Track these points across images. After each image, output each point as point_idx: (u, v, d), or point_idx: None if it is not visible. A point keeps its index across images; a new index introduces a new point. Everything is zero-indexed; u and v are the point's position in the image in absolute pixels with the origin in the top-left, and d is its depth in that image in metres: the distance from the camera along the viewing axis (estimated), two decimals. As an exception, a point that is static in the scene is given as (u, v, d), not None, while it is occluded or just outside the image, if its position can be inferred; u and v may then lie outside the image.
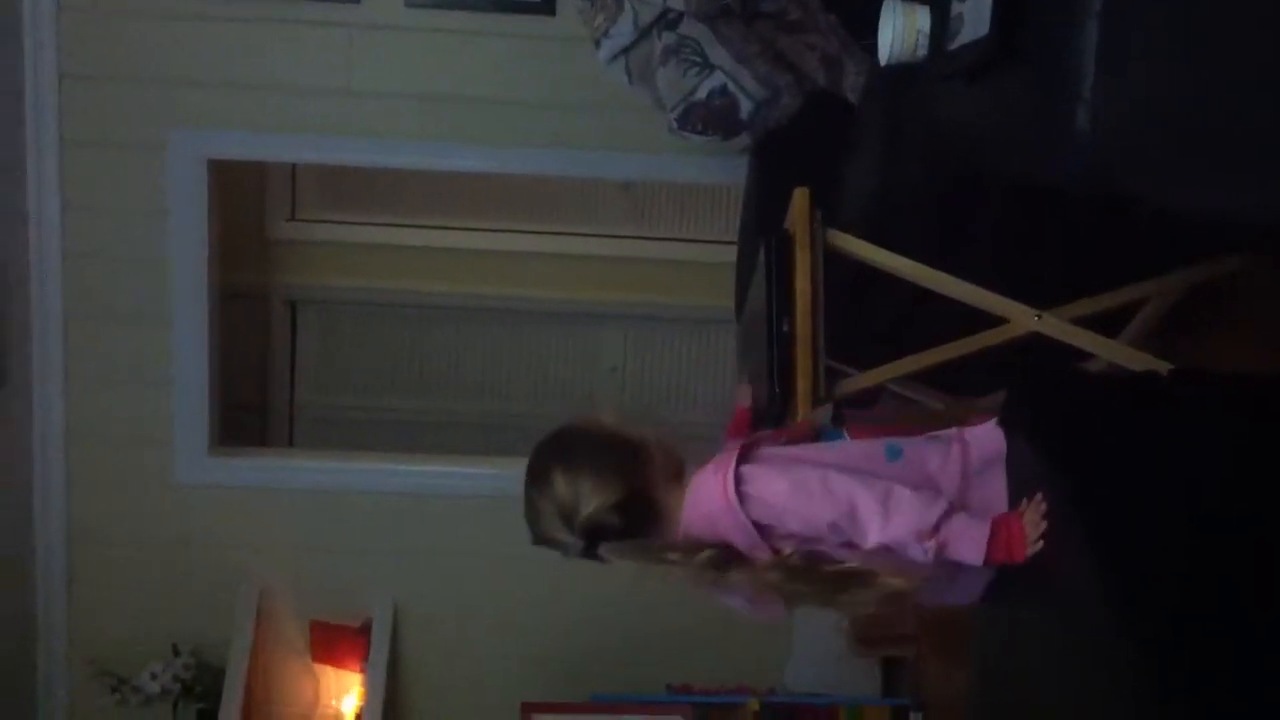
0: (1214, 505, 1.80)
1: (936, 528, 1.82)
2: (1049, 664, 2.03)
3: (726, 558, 1.93)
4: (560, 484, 1.97)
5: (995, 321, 2.53)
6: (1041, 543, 1.79)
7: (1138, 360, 2.38)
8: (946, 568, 1.87)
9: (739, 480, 1.90)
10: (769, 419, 2.46)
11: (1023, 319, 2.48)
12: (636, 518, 1.96)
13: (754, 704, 4.08)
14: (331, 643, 4.32)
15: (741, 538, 1.92)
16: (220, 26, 3.86)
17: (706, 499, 1.93)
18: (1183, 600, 1.65)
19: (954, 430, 1.97)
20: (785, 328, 2.49)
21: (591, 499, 1.95)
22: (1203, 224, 2.16)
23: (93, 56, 3.88)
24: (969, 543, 1.82)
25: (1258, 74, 1.35)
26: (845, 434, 2.06)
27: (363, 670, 4.24)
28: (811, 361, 2.48)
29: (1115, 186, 1.57)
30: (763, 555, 1.92)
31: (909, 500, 1.84)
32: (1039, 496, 1.81)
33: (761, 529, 1.91)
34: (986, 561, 1.82)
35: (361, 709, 4.18)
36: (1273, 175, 1.42)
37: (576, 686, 4.18)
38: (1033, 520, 1.81)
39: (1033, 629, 2.09)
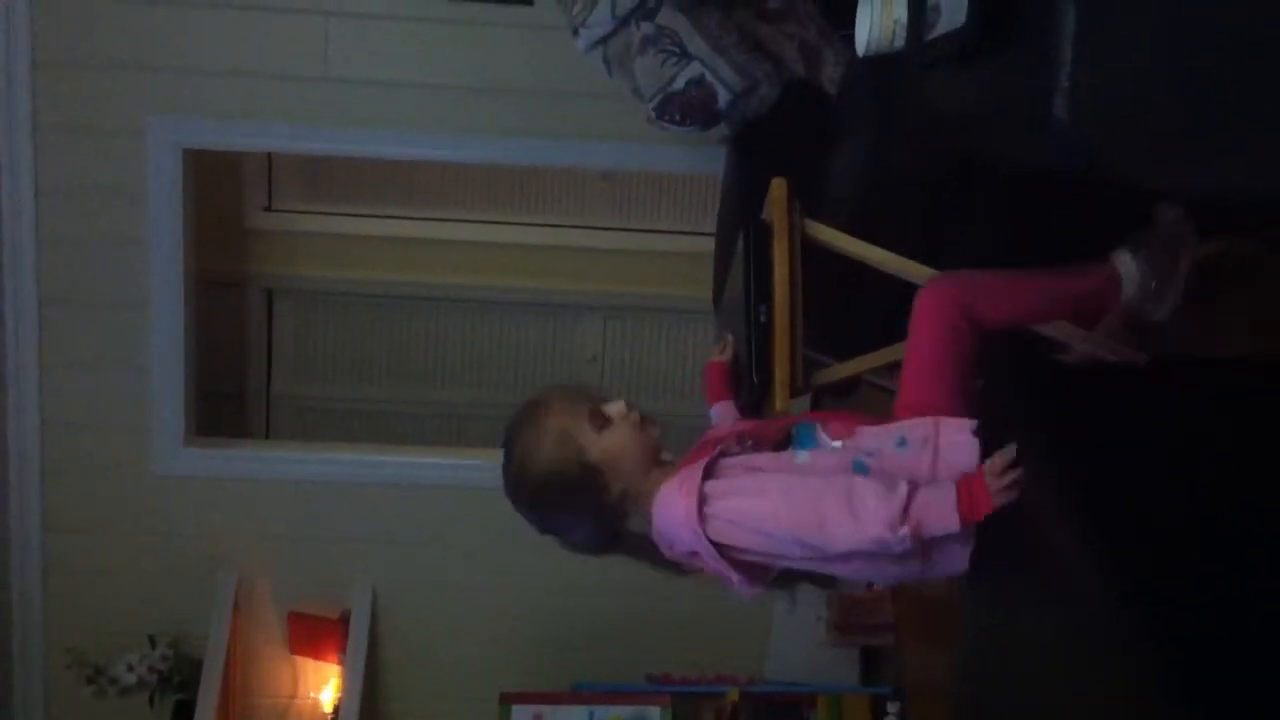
0: (1193, 488, 1.81)
1: (906, 511, 1.79)
2: (1036, 648, 2.04)
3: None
4: (532, 521, 2.04)
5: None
6: (1013, 490, 1.77)
7: (1116, 350, 2.39)
8: (924, 549, 1.86)
9: (703, 499, 1.89)
10: (747, 408, 2.46)
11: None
12: (611, 531, 2.04)
13: (734, 693, 4.09)
14: (310, 633, 4.31)
15: (706, 558, 1.93)
16: (196, 13, 3.84)
17: (671, 515, 1.93)
18: (1170, 583, 1.67)
19: (928, 430, 1.92)
20: (763, 317, 2.49)
21: (565, 538, 2.06)
22: (1187, 207, 2.18)
23: (67, 42, 3.85)
24: (939, 512, 1.79)
25: (1238, 54, 1.35)
26: (820, 432, 2.02)
27: (341, 661, 4.23)
28: (789, 351, 2.48)
29: (1096, 174, 1.58)
30: (726, 573, 1.93)
31: (873, 493, 1.81)
32: (1009, 446, 1.80)
33: (721, 548, 1.91)
34: (963, 524, 1.79)
35: (339, 700, 4.18)
36: (1253, 158, 1.43)
37: (556, 676, 4.18)
38: (994, 469, 1.79)
39: (1020, 613, 2.11)
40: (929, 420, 1.93)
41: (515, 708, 3.98)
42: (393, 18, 3.87)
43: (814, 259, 2.55)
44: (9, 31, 3.80)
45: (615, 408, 2.00)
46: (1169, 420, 1.88)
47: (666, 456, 2.02)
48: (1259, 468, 1.80)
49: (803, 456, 1.96)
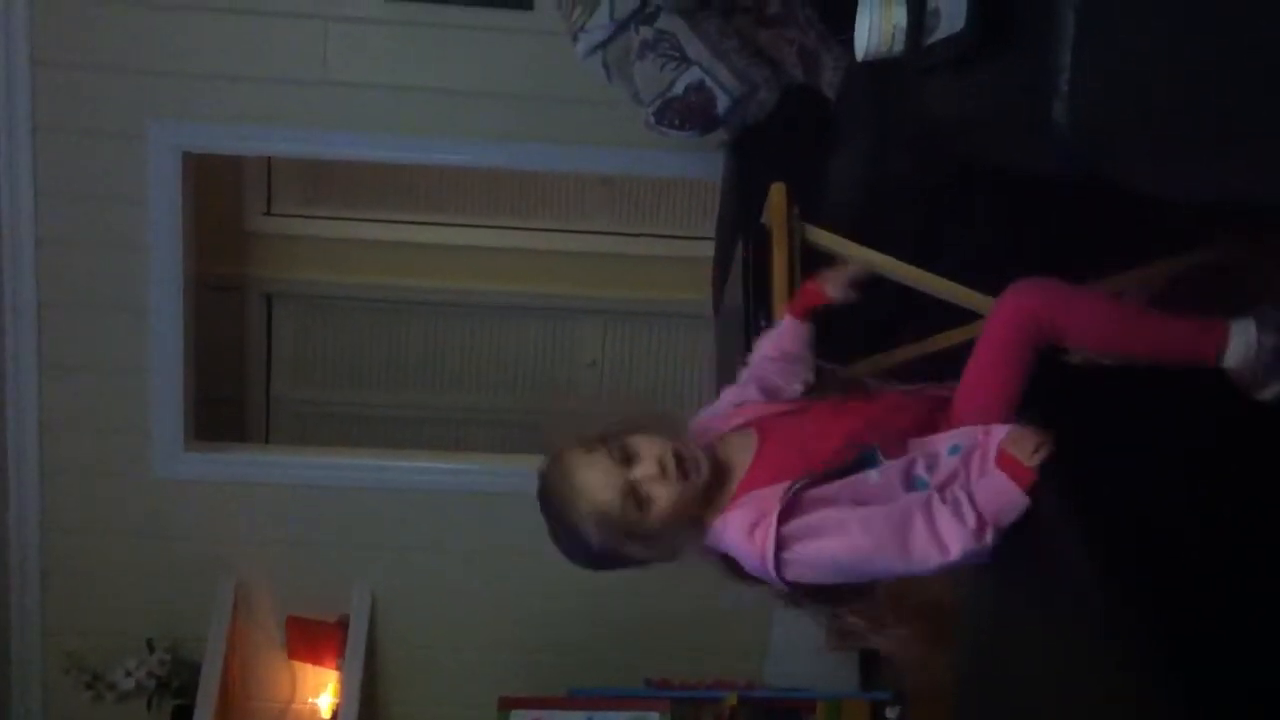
0: (1195, 490, 1.81)
1: (980, 515, 1.78)
2: (1036, 651, 2.04)
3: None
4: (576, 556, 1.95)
5: (979, 315, 2.53)
6: (1044, 451, 1.78)
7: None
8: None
9: (780, 544, 1.81)
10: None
11: (998, 313, 2.48)
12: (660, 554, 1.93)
13: (732, 698, 4.08)
14: (308, 638, 4.31)
15: (771, 590, 1.88)
16: (195, 16, 3.84)
17: (738, 550, 1.86)
18: (1171, 585, 1.66)
19: (975, 436, 1.90)
20: (763, 323, 2.49)
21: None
22: (1185, 212, 2.18)
23: (66, 43, 3.85)
24: (1005, 498, 1.79)
25: (1237, 59, 1.35)
26: (879, 454, 1.98)
27: (339, 666, 4.23)
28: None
29: (1095, 179, 1.57)
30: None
31: (948, 516, 1.79)
32: (1020, 424, 1.81)
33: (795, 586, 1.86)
34: (1024, 492, 1.78)
35: (337, 705, 4.17)
36: (1253, 162, 1.43)
37: (555, 681, 4.18)
38: (1015, 441, 1.80)
39: (1021, 616, 2.10)
40: (979, 428, 1.91)
41: (514, 713, 3.97)
42: (391, 22, 3.87)
43: (812, 264, 2.55)
44: (9, 34, 3.80)
45: (645, 470, 1.86)
46: (1171, 422, 1.87)
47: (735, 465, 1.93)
48: (1261, 470, 1.80)
49: (874, 477, 1.90)
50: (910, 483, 1.88)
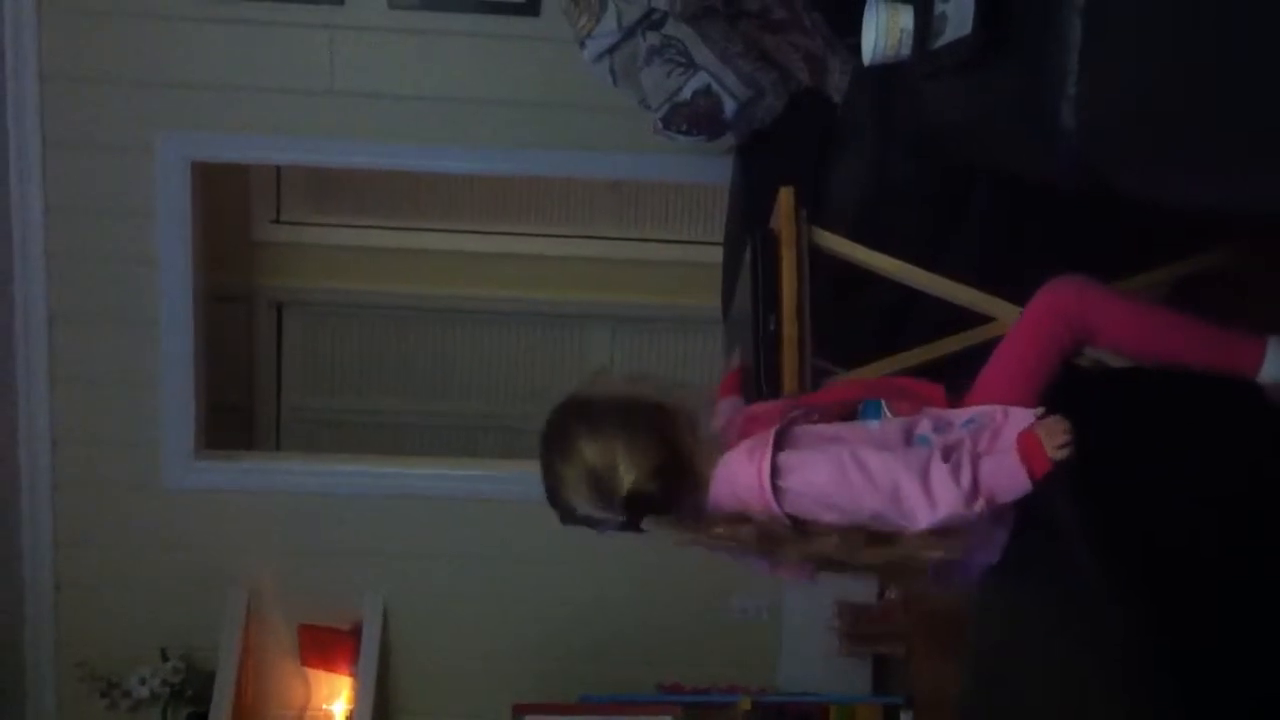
0: (1205, 499, 1.81)
1: (976, 483, 1.79)
2: (1046, 658, 2.04)
3: (774, 533, 1.89)
4: (590, 453, 1.87)
5: (986, 318, 2.53)
6: (1068, 449, 1.78)
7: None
8: (987, 522, 1.85)
9: (775, 473, 1.85)
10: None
11: (1008, 316, 2.48)
12: (675, 481, 1.89)
13: (745, 703, 4.08)
14: (321, 646, 4.31)
15: (774, 526, 1.88)
16: (202, 28, 3.85)
17: (739, 484, 1.88)
18: (1181, 596, 1.66)
19: (993, 415, 1.91)
20: (771, 327, 2.49)
21: (630, 468, 1.86)
22: (1189, 219, 2.17)
23: (75, 57, 3.86)
24: (1008, 476, 1.80)
25: (1243, 66, 1.35)
26: (885, 409, 2.01)
27: (352, 673, 4.23)
28: (798, 360, 2.48)
29: (1101, 182, 1.58)
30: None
31: (945, 474, 1.80)
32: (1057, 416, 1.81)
33: (795, 520, 1.87)
34: (1033, 480, 1.79)
35: (352, 712, 4.18)
36: (1257, 169, 1.43)
37: (567, 687, 4.18)
38: (1048, 430, 1.80)
39: (1030, 623, 2.10)
40: (999, 408, 1.92)
41: (527, 719, 3.97)
42: (397, 30, 3.88)
43: (818, 266, 2.55)
44: (18, 49, 3.82)
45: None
46: (1185, 432, 1.87)
47: (706, 421, 1.98)
48: (1270, 479, 1.79)
49: (873, 426, 1.95)
50: (910, 440, 1.90)
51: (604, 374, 2.01)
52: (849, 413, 2.01)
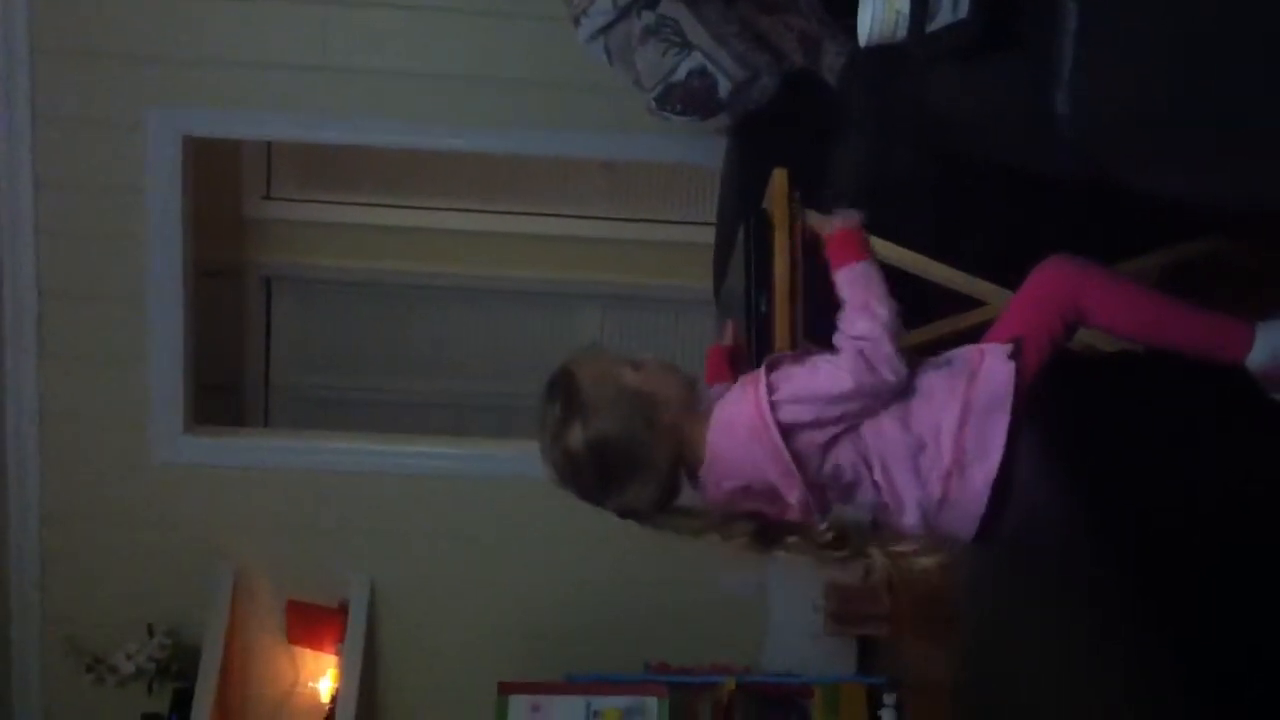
0: (1196, 483, 1.82)
1: (856, 304, 1.94)
2: (1034, 638, 2.04)
3: (765, 533, 1.93)
4: (590, 475, 1.96)
5: (979, 303, 2.53)
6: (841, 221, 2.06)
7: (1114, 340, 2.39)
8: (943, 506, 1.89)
9: (771, 389, 1.90)
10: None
11: (999, 301, 2.49)
12: (669, 486, 1.97)
13: (730, 683, 4.09)
14: (308, 623, 4.31)
15: (774, 466, 1.91)
16: (195, 2, 3.83)
17: (739, 422, 1.92)
18: (1170, 577, 1.67)
19: (970, 355, 1.94)
20: (763, 308, 2.49)
21: (627, 495, 1.96)
22: (1180, 207, 2.18)
23: (66, 31, 3.84)
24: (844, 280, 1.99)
25: (1238, 58, 1.35)
26: None
27: (339, 651, 4.23)
28: (790, 341, 2.48)
29: (1095, 170, 1.57)
30: (793, 488, 1.91)
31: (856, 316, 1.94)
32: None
33: (798, 458, 1.89)
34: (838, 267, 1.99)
35: (337, 689, 4.18)
36: (1250, 159, 1.43)
37: (554, 666, 4.19)
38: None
39: (1019, 604, 2.11)
40: (975, 348, 1.95)
41: (513, 698, 3.98)
42: (391, 6, 3.87)
43: (812, 248, 2.55)
44: (8, 23, 3.80)
45: (644, 357, 2.02)
46: (1179, 418, 1.87)
47: (701, 407, 2.01)
48: (1261, 463, 1.80)
49: None
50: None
51: (598, 350, 2.06)
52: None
